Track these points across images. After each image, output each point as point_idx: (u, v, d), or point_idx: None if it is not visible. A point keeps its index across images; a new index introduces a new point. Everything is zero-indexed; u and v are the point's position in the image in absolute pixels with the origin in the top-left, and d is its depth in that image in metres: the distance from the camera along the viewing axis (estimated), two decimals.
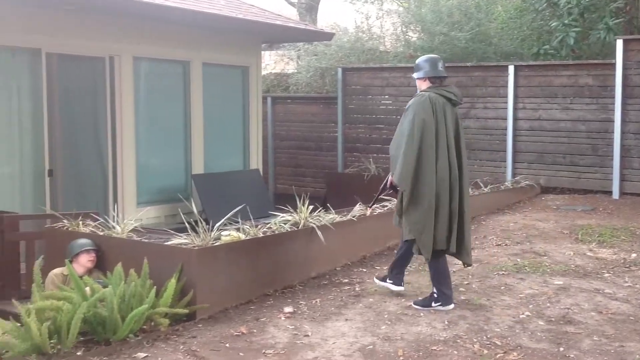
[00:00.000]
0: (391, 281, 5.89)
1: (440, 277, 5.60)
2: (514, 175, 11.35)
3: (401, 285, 5.87)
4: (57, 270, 5.85)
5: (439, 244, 5.47)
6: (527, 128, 11.37)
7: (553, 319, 5.35)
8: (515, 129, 11.42)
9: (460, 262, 5.83)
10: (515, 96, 11.38)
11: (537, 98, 11.27)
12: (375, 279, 6.09)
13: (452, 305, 5.59)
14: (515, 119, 11.41)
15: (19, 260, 6.98)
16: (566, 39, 12.11)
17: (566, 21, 12.17)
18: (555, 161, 11.17)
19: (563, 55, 12.27)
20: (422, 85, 5.64)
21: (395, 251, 6.09)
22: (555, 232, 8.46)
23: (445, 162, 5.45)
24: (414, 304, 5.67)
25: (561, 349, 4.74)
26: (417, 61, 5.77)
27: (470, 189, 9.49)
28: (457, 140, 5.58)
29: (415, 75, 5.73)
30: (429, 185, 5.39)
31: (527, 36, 13.90)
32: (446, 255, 5.65)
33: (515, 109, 11.40)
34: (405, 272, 5.98)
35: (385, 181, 5.85)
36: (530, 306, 5.68)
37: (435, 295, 5.61)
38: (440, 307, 5.56)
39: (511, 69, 11.38)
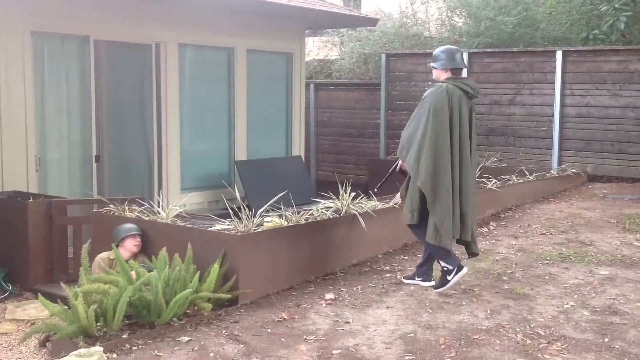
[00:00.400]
0: (420, 278, 5.86)
1: (440, 253, 5.57)
2: (560, 163, 11.16)
3: (431, 281, 5.85)
4: (103, 254, 5.97)
5: (455, 233, 5.52)
6: (574, 115, 11.16)
7: (598, 310, 5.27)
8: (562, 116, 11.22)
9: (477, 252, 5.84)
10: (563, 82, 11.17)
11: (585, 84, 11.04)
12: (403, 279, 6.05)
13: (465, 269, 5.59)
14: (562, 105, 11.20)
15: (67, 244, 7.14)
16: (616, 24, 11.83)
17: (617, 5, 11.88)
18: (603, 149, 10.94)
19: (613, 40, 11.99)
20: (442, 75, 5.65)
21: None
22: (601, 221, 8.32)
23: (457, 154, 5.48)
24: (435, 289, 5.68)
25: (606, 339, 4.67)
26: (435, 52, 5.77)
27: (515, 177, 9.51)
28: (471, 132, 5.63)
29: (432, 65, 5.74)
30: (445, 176, 5.41)
31: (575, 21, 13.61)
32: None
33: (562, 95, 11.19)
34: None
35: (395, 165, 5.87)
36: (575, 296, 5.60)
37: (445, 269, 5.57)
38: (457, 275, 5.52)
39: (559, 54, 11.17)
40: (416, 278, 5.90)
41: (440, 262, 5.61)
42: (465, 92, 5.56)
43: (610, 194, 10.00)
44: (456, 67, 5.64)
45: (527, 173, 9.97)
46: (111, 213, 6.41)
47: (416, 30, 15.35)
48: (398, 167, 5.79)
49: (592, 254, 6.90)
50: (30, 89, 7.89)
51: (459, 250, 6.04)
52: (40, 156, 8.11)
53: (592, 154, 11.04)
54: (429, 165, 5.38)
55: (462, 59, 5.73)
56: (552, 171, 10.68)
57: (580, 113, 11.10)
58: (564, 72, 11.17)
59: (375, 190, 6.74)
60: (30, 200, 7.09)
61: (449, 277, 5.55)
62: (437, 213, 5.43)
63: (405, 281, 5.97)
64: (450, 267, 5.53)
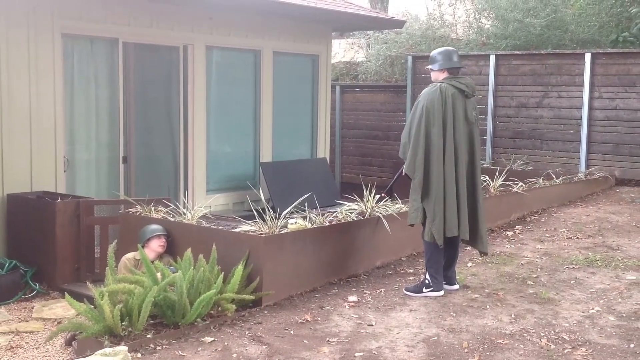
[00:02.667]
0: (444, 282, 5.81)
1: (434, 263, 5.66)
2: (587, 166, 11.04)
3: (455, 284, 5.86)
4: (129, 255, 6.03)
5: (449, 231, 5.54)
6: (602, 118, 11.03)
7: (624, 315, 5.21)
8: (590, 119, 11.10)
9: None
10: (592, 85, 11.05)
11: (614, 87, 10.91)
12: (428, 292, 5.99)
13: (442, 292, 5.66)
14: (590, 108, 11.08)
15: (94, 244, 7.23)
16: None
17: None
18: (631, 152, 10.81)
19: None
20: (440, 76, 5.73)
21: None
22: (629, 226, 8.21)
23: (451, 152, 5.53)
24: (405, 290, 5.77)
25: (632, 345, 4.62)
26: (431, 54, 5.88)
27: (541, 180, 9.43)
28: (470, 131, 5.68)
29: (430, 67, 5.82)
30: (437, 174, 5.50)
31: (605, 23, 13.46)
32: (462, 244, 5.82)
33: (591, 98, 11.07)
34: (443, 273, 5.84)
35: (401, 169, 5.90)
36: (601, 301, 5.54)
37: (427, 281, 5.68)
38: (431, 294, 5.63)
39: (588, 56, 11.05)
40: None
41: (427, 272, 5.70)
42: (461, 90, 5.62)
43: (639, 198, 9.87)
44: (453, 66, 5.71)
45: (553, 176, 9.89)
46: (137, 214, 6.48)
47: (443, 32, 15.29)
48: (404, 172, 5.82)
49: (619, 258, 6.82)
50: (60, 90, 8.00)
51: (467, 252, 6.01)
52: (69, 157, 8.22)
53: (620, 157, 10.90)
54: (421, 163, 5.51)
55: (459, 59, 5.80)
56: (579, 175, 10.57)
57: (609, 116, 10.97)
58: (592, 75, 11.04)
59: (382, 194, 6.78)
60: (59, 200, 7.19)
61: (424, 290, 5.66)
62: (429, 210, 5.55)
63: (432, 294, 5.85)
64: (431, 285, 5.64)
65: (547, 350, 4.54)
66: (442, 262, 5.72)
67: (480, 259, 6.63)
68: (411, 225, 5.77)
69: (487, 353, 4.48)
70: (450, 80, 5.64)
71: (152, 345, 4.58)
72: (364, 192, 6.77)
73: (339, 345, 4.62)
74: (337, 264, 6.16)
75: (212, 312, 5.13)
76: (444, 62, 5.71)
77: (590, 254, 7.00)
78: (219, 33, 9.74)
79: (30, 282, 7.12)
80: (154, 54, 9.34)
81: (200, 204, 7.09)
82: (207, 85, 9.67)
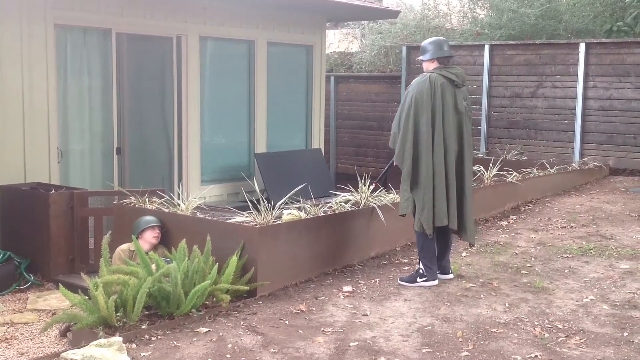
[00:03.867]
0: (439, 271, 5.81)
1: (427, 252, 5.68)
2: (581, 156, 11.07)
3: (450, 274, 5.87)
4: (124, 246, 6.02)
5: (438, 221, 5.56)
6: (597, 108, 11.05)
7: (618, 304, 5.23)
8: (584, 109, 11.12)
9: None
10: (586, 75, 11.07)
11: (608, 77, 10.93)
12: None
13: (436, 281, 5.67)
14: (585, 98, 11.10)
15: (88, 236, 7.22)
16: None
17: None
18: (625, 142, 10.83)
19: (637, 32, 11.85)
20: (430, 66, 5.75)
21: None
22: (623, 215, 8.24)
23: (440, 142, 5.54)
24: (400, 280, 5.77)
25: (625, 333, 4.63)
26: (422, 44, 5.89)
27: (536, 170, 9.44)
28: (460, 121, 5.66)
29: (421, 57, 5.84)
30: (426, 164, 5.51)
31: (599, 13, 13.46)
32: (451, 234, 5.81)
33: (585, 88, 11.09)
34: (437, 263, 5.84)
35: (392, 159, 5.92)
36: (595, 290, 5.56)
37: (421, 270, 5.69)
38: (425, 283, 5.65)
39: (582, 46, 11.06)
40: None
41: (421, 262, 5.71)
42: (451, 80, 5.62)
43: (633, 187, 9.90)
44: (442, 56, 5.71)
45: (548, 166, 9.90)
46: (131, 205, 6.47)
47: (438, 22, 15.27)
48: (394, 161, 5.84)
49: (613, 247, 6.84)
50: (53, 81, 7.97)
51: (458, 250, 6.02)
52: (62, 148, 8.19)
53: (614, 147, 10.93)
54: (410, 153, 5.53)
55: (449, 48, 5.79)
56: (573, 164, 10.59)
57: (603, 106, 10.99)
58: (586, 65, 11.06)
59: (375, 184, 6.79)
60: (52, 191, 7.18)
61: (418, 280, 5.67)
62: (418, 200, 5.57)
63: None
64: (425, 275, 5.65)
65: (541, 338, 4.55)
66: (434, 251, 5.72)
67: (474, 248, 6.64)
68: (402, 216, 5.77)
69: (482, 342, 4.49)
70: (440, 70, 5.64)
71: (146, 336, 4.58)
72: (359, 182, 6.77)
73: (333, 335, 4.62)
74: (331, 254, 6.17)
75: (206, 302, 5.13)
76: (434, 52, 5.72)
77: (584, 243, 7.02)
78: (212, 23, 9.70)
79: (25, 273, 7.11)
80: (148, 45, 9.30)
81: (194, 195, 7.10)
82: (201, 75, 9.65)
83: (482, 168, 8.44)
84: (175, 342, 4.48)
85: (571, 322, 4.85)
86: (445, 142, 5.58)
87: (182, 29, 9.32)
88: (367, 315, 5.02)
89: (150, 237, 5.96)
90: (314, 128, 11.46)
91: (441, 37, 5.98)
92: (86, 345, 4.25)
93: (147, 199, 6.51)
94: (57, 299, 6.53)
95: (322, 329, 4.75)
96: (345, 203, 6.55)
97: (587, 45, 11.06)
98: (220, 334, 4.64)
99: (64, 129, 8.26)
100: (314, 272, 5.96)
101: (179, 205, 6.30)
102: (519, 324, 4.83)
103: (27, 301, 6.63)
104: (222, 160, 10.15)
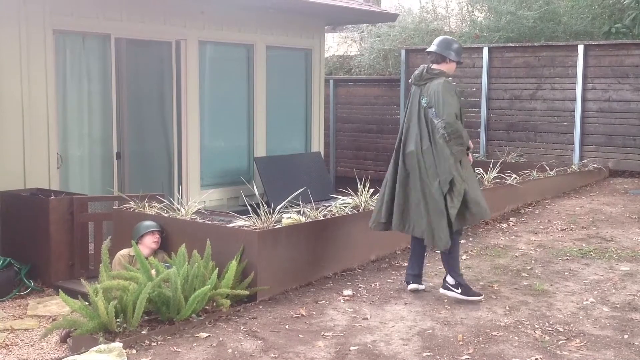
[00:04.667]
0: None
1: (410, 258, 5.76)
2: (581, 158, 11.07)
3: (420, 284, 5.72)
4: (123, 251, 6.02)
5: (371, 222, 5.70)
6: (596, 109, 11.05)
7: (618, 306, 5.23)
8: (583, 111, 11.11)
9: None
10: (585, 76, 11.06)
11: (607, 78, 10.92)
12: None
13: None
14: (584, 100, 11.10)
15: (88, 241, 7.21)
16: (639, 17, 11.68)
17: None
18: (625, 144, 10.83)
19: (636, 34, 11.86)
20: (453, 67, 5.82)
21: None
22: (623, 217, 8.24)
23: (399, 143, 5.60)
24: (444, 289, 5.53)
25: (625, 336, 4.63)
26: (452, 43, 5.78)
27: (535, 172, 9.42)
28: (419, 120, 5.46)
29: (451, 57, 5.71)
30: (391, 164, 5.63)
31: (597, 14, 13.47)
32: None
33: (584, 89, 11.08)
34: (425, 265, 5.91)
35: None
36: (595, 292, 5.56)
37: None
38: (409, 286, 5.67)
39: (581, 48, 11.06)
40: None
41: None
42: (414, 79, 5.61)
43: (632, 189, 9.90)
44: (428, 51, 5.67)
45: (547, 168, 9.90)
46: (131, 210, 6.47)
47: (436, 25, 15.28)
48: None
49: (613, 249, 6.84)
50: (52, 86, 7.97)
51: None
52: (62, 153, 8.19)
53: (613, 148, 10.93)
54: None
55: (432, 46, 5.65)
56: (573, 166, 10.59)
57: (602, 108, 10.99)
58: (585, 67, 11.05)
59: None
60: (52, 197, 7.17)
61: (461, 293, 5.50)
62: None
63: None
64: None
65: (541, 341, 4.56)
66: (414, 257, 5.63)
67: (474, 251, 6.64)
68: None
69: (482, 345, 4.49)
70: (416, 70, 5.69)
71: (147, 342, 4.58)
72: (358, 185, 6.77)
73: (334, 339, 4.62)
74: (331, 258, 6.17)
75: (207, 307, 5.13)
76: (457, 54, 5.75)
77: (584, 245, 7.02)
78: (211, 28, 9.70)
79: (25, 279, 7.10)
80: (147, 50, 9.30)
81: (194, 199, 7.08)
82: (200, 80, 9.64)
83: (481, 170, 8.44)
84: (175, 348, 4.48)
85: (571, 325, 4.85)
86: (405, 144, 5.62)
87: (181, 33, 9.32)
88: (367, 319, 5.02)
89: (150, 242, 5.96)
90: (314, 131, 11.46)
91: (447, 37, 5.91)
92: (86, 351, 4.25)
93: (146, 204, 6.51)
94: (57, 305, 6.51)
95: (323, 333, 4.75)
96: (345, 206, 6.56)
97: (586, 47, 11.06)
98: (221, 339, 4.64)
99: (63, 134, 8.26)
100: (314, 275, 5.96)
101: (178, 210, 6.30)
102: (519, 327, 4.83)
103: (27, 307, 6.62)
104: (222, 165, 10.15)
